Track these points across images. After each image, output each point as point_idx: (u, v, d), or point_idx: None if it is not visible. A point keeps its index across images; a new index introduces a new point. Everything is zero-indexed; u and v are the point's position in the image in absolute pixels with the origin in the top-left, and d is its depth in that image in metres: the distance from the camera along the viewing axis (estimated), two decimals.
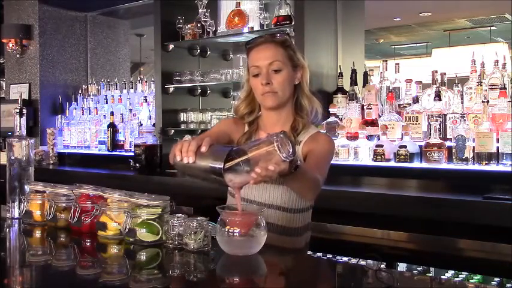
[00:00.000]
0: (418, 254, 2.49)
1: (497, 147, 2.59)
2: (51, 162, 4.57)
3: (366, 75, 3.29)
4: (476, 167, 2.62)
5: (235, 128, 1.97)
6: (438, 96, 2.87)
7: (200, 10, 3.75)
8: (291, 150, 1.44)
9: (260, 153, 1.45)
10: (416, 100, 2.95)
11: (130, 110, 4.27)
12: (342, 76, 3.30)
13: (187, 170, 1.53)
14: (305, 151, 1.86)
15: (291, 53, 1.87)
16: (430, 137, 2.77)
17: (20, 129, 2.13)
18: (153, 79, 4.16)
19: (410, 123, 2.89)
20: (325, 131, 3.14)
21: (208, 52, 4.14)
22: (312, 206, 1.96)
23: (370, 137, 3.01)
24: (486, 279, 2.39)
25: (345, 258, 2.65)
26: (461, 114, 2.73)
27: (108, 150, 4.25)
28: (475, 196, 2.43)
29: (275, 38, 1.87)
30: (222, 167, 1.43)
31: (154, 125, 3.95)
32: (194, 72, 3.85)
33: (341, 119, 3.16)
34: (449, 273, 2.49)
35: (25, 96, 4.70)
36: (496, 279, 2.38)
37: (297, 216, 1.88)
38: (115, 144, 4.23)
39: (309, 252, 2.64)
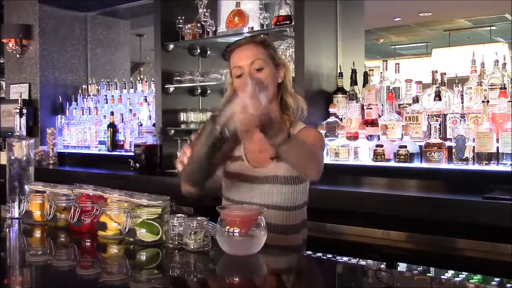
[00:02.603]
0: (418, 254, 2.49)
1: (497, 147, 2.59)
2: (51, 162, 4.57)
3: (366, 75, 3.29)
4: (476, 167, 2.62)
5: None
6: (438, 96, 2.87)
7: (200, 10, 3.75)
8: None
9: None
10: (416, 100, 2.95)
11: (130, 110, 4.27)
12: (342, 76, 3.30)
13: (194, 160, 1.58)
14: None
15: (271, 52, 1.91)
16: (430, 137, 2.77)
17: (20, 129, 2.13)
18: (153, 79, 4.15)
19: (410, 123, 2.89)
20: (325, 131, 3.14)
21: (208, 52, 4.13)
22: (306, 202, 1.98)
23: (370, 137, 3.01)
24: (486, 279, 2.39)
25: (345, 258, 2.65)
26: (461, 114, 2.73)
27: (108, 150, 4.25)
28: (475, 196, 2.43)
29: (254, 39, 1.93)
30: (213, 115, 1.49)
31: (154, 125, 3.95)
32: (194, 72, 3.85)
33: (341, 119, 3.16)
34: (449, 273, 2.49)
35: (25, 96, 4.70)
36: (496, 279, 2.38)
37: (293, 214, 1.90)
38: (115, 144, 4.23)
39: (309, 252, 2.65)
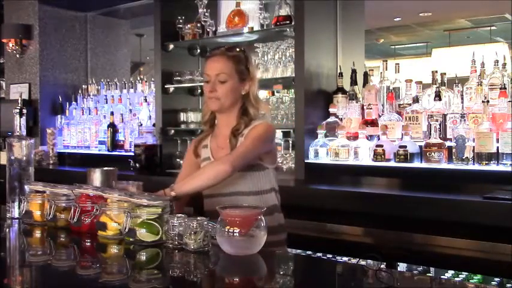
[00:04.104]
0: (418, 254, 2.49)
1: (497, 147, 2.59)
2: (51, 162, 4.57)
3: (366, 75, 3.29)
4: (476, 167, 2.62)
5: (196, 146, 2.25)
6: (438, 96, 2.87)
7: (200, 10, 3.75)
8: None
9: None
10: (416, 100, 2.95)
11: (130, 110, 4.27)
12: (342, 76, 3.30)
13: None
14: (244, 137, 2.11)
15: (241, 68, 2.12)
16: (430, 137, 2.77)
17: (20, 129, 2.13)
18: (153, 79, 4.15)
19: (410, 123, 2.89)
20: (325, 131, 3.14)
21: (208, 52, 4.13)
22: (274, 189, 2.17)
23: (370, 137, 3.01)
24: (486, 279, 2.39)
25: (345, 258, 2.65)
26: (461, 114, 2.73)
27: (108, 150, 4.25)
28: (475, 196, 2.43)
29: (228, 52, 2.12)
30: None
31: (154, 125, 3.95)
32: (194, 72, 3.85)
33: (341, 119, 3.16)
34: (449, 273, 2.49)
35: (25, 96, 4.70)
36: (496, 279, 2.38)
37: (261, 198, 2.09)
38: (115, 144, 4.23)
39: (309, 252, 2.65)
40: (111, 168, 2.15)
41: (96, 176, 2.08)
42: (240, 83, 2.12)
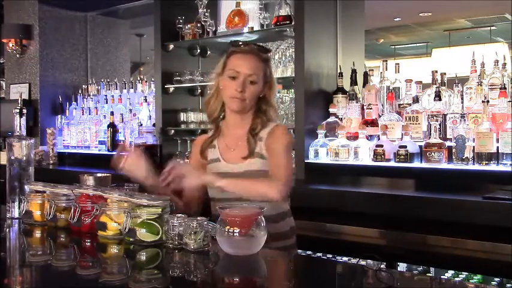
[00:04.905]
0: (418, 254, 2.49)
1: (497, 147, 2.59)
2: (51, 162, 4.57)
3: (366, 75, 3.29)
4: (476, 167, 2.62)
5: (202, 145, 2.15)
6: (438, 96, 2.87)
7: (200, 10, 3.75)
8: None
9: None
10: (416, 100, 2.95)
11: (130, 110, 4.27)
12: (342, 76, 3.30)
13: None
14: (266, 146, 2.02)
15: (267, 71, 2.05)
16: (430, 137, 2.77)
17: (20, 129, 2.13)
18: (153, 79, 4.15)
19: (410, 123, 2.89)
20: (325, 131, 3.14)
21: (208, 52, 4.14)
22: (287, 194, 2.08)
23: (370, 137, 3.01)
24: (486, 279, 2.39)
25: (345, 258, 2.65)
26: (461, 114, 2.73)
27: (108, 150, 4.25)
28: (475, 196, 2.43)
29: (261, 54, 2.04)
30: None
31: (154, 125, 3.95)
32: (194, 72, 3.85)
33: (341, 119, 3.16)
34: (449, 273, 2.49)
35: (25, 96, 4.70)
36: (496, 279, 2.38)
37: (273, 205, 1.95)
38: (115, 144, 4.23)
39: (309, 252, 2.65)
40: (105, 175, 2.14)
41: (90, 183, 2.09)
42: (263, 86, 2.04)
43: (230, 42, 2.12)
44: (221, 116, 2.11)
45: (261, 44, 2.25)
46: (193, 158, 2.21)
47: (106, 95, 4.58)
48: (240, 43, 2.09)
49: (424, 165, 2.75)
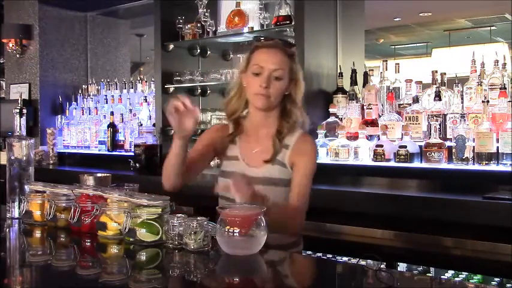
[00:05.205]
0: (418, 254, 2.49)
1: (497, 147, 2.59)
2: (51, 162, 4.57)
3: (366, 75, 3.29)
4: (476, 167, 2.62)
5: (219, 135, 2.05)
6: (438, 96, 2.87)
7: (200, 10, 3.75)
8: None
9: None
10: (416, 100, 2.95)
11: (131, 110, 4.27)
12: (342, 76, 3.30)
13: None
14: (292, 160, 1.94)
15: (293, 66, 1.94)
16: (430, 137, 2.77)
17: (20, 129, 2.13)
18: (153, 79, 4.15)
19: (410, 123, 2.89)
20: (325, 131, 3.14)
21: (208, 52, 4.14)
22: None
23: (370, 137, 3.00)
24: (486, 279, 2.39)
25: (345, 258, 2.65)
26: (461, 114, 2.73)
27: (108, 150, 4.25)
28: (475, 196, 2.43)
29: (286, 48, 1.93)
30: None
31: (154, 125, 3.95)
32: (194, 72, 3.85)
33: (341, 119, 3.16)
34: (449, 273, 2.49)
35: (25, 96, 4.70)
36: (496, 279, 2.38)
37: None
38: (115, 144, 4.23)
39: (309, 252, 2.65)
40: (105, 175, 2.14)
41: (90, 183, 2.08)
42: (288, 82, 1.94)
43: (254, 38, 2.03)
44: (242, 114, 2.02)
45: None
46: (201, 141, 2.07)
47: (106, 95, 4.58)
48: (262, 38, 2.01)
49: (424, 165, 2.75)
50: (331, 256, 2.66)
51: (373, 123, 3.02)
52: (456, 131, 2.69)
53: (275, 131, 1.96)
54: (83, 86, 4.83)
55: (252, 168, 1.95)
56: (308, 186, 1.94)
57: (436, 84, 2.97)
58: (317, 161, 2.02)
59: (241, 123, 2.03)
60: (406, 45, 9.17)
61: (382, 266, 1.93)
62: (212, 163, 2.32)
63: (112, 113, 4.26)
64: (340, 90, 3.29)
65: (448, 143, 2.74)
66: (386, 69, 3.25)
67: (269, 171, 1.93)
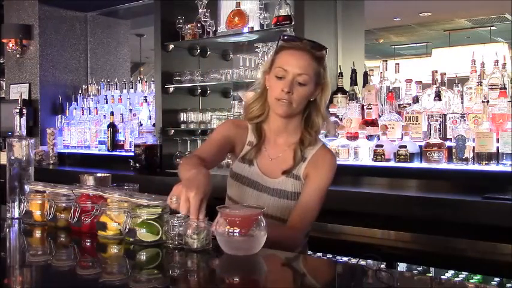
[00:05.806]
0: (418, 254, 2.49)
1: (497, 147, 2.59)
2: (51, 162, 4.57)
3: (366, 75, 3.29)
4: (476, 167, 2.62)
5: (237, 131, 1.92)
6: (438, 96, 2.87)
7: (200, 10, 3.75)
8: None
9: None
10: (416, 100, 2.95)
11: (131, 110, 4.27)
12: (342, 76, 3.30)
13: None
14: (306, 171, 1.84)
15: (320, 71, 1.81)
16: (430, 137, 2.77)
17: (20, 129, 2.13)
18: (153, 79, 4.16)
19: (410, 123, 2.89)
20: (325, 131, 3.14)
21: (208, 52, 4.14)
22: None
23: (370, 137, 3.01)
24: (486, 279, 2.39)
25: (345, 258, 2.65)
26: (461, 114, 2.73)
27: (108, 150, 4.25)
28: (475, 196, 2.43)
29: (316, 51, 1.81)
30: None
31: (154, 125, 3.95)
32: (194, 72, 3.86)
33: (341, 119, 3.16)
34: (449, 273, 2.49)
35: (25, 96, 4.70)
36: (496, 279, 2.38)
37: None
38: (115, 144, 4.23)
39: (309, 252, 2.65)
40: (105, 175, 2.14)
41: (90, 183, 2.08)
42: (314, 88, 1.80)
43: (280, 35, 1.86)
44: (261, 118, 1.88)
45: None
46: (220, 133, 1.91)
47: (106, 95, 4.58)
48: (286, 37, 1.86)
49: (424, 165, 2.75)
50: (331, 256, 2.66)
51: (373, 123, 3.02)
52: (456, 131, 2.69)
53: (297, 140, 1.85)
54: (83, 86, 4.83)
55: (265, 177, 1.86)
56: (316, 211, 1.81)
57: (436, 84, 2.97)
58: (333, 177, 1.85)
59: (263, 128, 1.90)
60: (406, 45, 9.18)
61: (382, 266, 1.93)
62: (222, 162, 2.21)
63: (112, 113, 4.26)
64: (340, 90, 3.29)
65: (448, 143, 2.74)
66: (386, 69, 3.25)
67: (284, 183, 1.84)
